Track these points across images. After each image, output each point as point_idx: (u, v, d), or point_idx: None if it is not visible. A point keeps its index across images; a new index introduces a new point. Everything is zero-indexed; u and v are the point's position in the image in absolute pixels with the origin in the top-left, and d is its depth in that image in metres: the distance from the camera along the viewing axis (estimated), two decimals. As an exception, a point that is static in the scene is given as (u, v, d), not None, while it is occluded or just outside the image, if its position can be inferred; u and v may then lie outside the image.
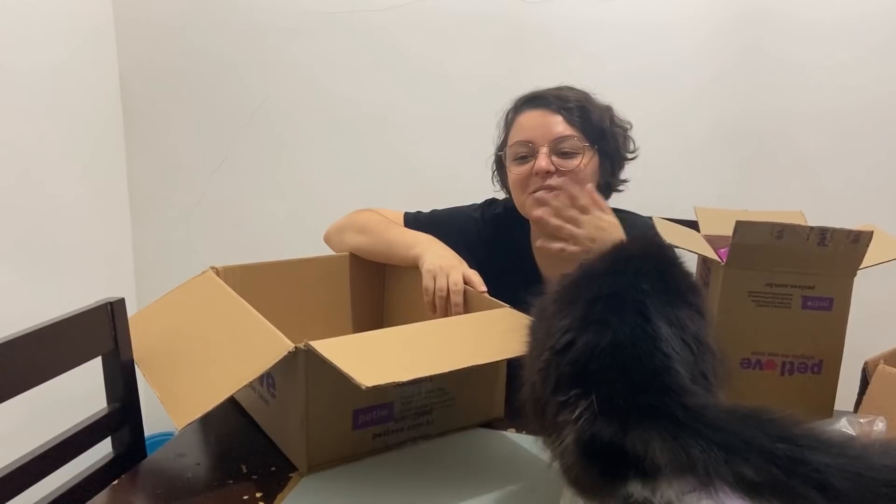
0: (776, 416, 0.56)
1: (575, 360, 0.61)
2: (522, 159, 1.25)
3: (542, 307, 0.74)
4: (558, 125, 1.24)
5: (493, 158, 1.38)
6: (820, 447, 0.53)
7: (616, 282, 0.64)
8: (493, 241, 1.37)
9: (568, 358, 0.61)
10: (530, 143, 1.24)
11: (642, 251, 0.71)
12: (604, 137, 1.28)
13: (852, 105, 1.81)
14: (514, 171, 1.26)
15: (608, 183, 1.33)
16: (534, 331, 0.74)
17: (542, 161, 1.21)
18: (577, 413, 0.59)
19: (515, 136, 1.27)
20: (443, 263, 1.18)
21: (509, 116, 1.32)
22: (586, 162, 1.24)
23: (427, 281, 1.17)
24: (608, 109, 1.30)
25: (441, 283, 1.15)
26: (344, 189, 2.07)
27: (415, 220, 1.40)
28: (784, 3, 1.79)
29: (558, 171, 1.22)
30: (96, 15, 2.03)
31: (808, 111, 1.83)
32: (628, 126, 1.32)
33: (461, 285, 1.14)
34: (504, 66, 1.93)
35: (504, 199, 1.41)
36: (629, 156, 1.33)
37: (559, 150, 1.23)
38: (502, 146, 1.33)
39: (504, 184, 1.37)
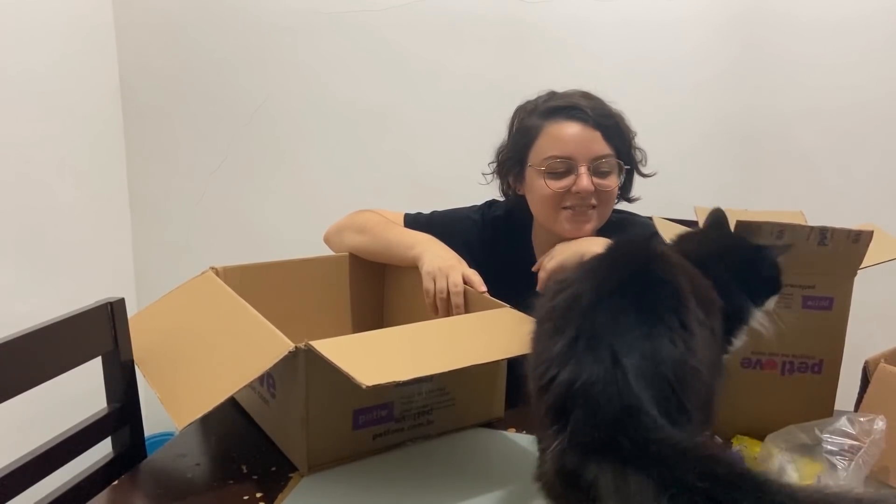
0: (715, 452, 0.60)
1: (556, 396, 0.65)
2: (560, 174, 1.22)
3: (540, 315, 0.76)
4: (597, 143, 1.21)
5: (497, 157, 1.34)
6: (751, 490, 0.56)
7: (597, 318, 0.66)
8: (494, 242, 1.37)
9: (550, 393, 0.66)
10: (570, 159, 1.21)
11: (630, 275, 0.71)
12: (630, 154, 1.28)
13: (852, 104, 1.81)
14: (551, 186, 1.22)
15: (625, 197, 1.33)
16: (534, 338, 0.76)
17: (586, 182, 1.20)
18: (554, 444, 0.64)
19: (551, 148, 1.22)
20: (442, 265, 1.17)
21: (534, 121, 1.26)
22: (619, 181, 1.25)
23: (427, 283, 1.17)
24: (623, 118, 1.28)
25: (441, 284, 1.15)
26: (344, 189, 2.07)
27: (415, 221, 1.39)
28: (783, 2, 1.79)
29: (595, 191, 1.21)
30: (96, 15, 2.03)
31: (808, 110, 1.83)
32: (634, 134, 1.30)
33: (461, 286, 1.14)
34: (504, 65, 1.93)
35: (505, 201, 1.40)
36: (646, 172, 1.32)
37: (597, 168, 1.22)
38: (524, 150, 1.27)
39: (511, 186, 1.33)
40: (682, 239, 0.92)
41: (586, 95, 1.26)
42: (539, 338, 0.73)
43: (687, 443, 0.60)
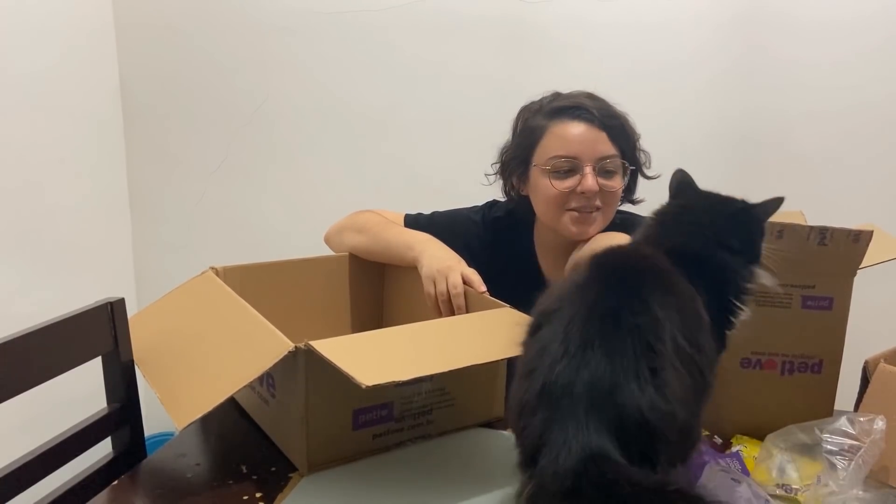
0: (680, 487, 0.62)
1: (526, 446, 0.70)
2: (565, 174, 1.22)
3: (522, 343, 0.79)
4: (603, 143, 1.21)
5: (501, 158, 1.34)
6: None
7: (563, 371, 0.68)
8: (495, 243, 1.36)
9: (522, 440, 0.71)
10: (575, 158, 1.20)
11: (600, 320, 0.71)
12: (634, 155, 1.27)
13: (852, 105, 1.81)
14: (556, 186, 1.22)
15: (628, 199, 1.32)
16: (517, 367, 0.78)
17: (591, 181, 1.19)
18: (527, 489, 0.69)
19: (556, 147, 1.22)
20: (440, 266, 1.17)
21: (539, 121, 1.26)
22: (623, 182, 1.24)
23: (427, 286, 1.17)
24: (627, 119, 1.27)
25: (441, 287, 1.15)
26: (344, 189, 2.07)
27: (415, 222, 1.39)
28: (784, 3, 1.79)
29: (600, 191, 1.21)
30: (96, 15, 2.03)
31: (808, 111, 1.83)
32: (638, 135, 1.30)
33: (461, 287, 1.14)
34: (504, 65, 1.93)
35: (506, 202, 1.39)
36: (650, 174, 1.32)
37: (602, 168, 1.21)
38: (528, 150, 1.27)
39: (515, 186, 1.33)
40: (666, 229, 0.90)
41: (591, 96, 1.26)
42: (517, 370, 0.76)
43: (650, 482, 0.62)
